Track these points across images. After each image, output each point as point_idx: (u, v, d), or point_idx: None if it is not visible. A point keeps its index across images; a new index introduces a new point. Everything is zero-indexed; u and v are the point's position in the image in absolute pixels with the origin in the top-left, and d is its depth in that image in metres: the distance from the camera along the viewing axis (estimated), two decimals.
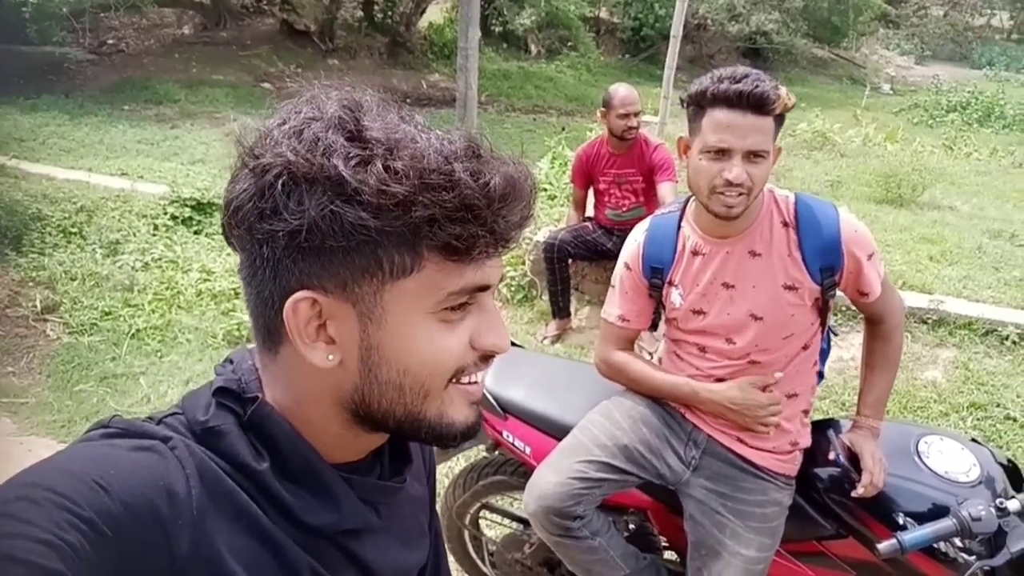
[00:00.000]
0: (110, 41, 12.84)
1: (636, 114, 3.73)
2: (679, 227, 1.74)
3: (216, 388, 0.67)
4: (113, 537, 0.52)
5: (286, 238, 0.58)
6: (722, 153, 1.52)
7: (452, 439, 0.68)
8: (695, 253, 1.70)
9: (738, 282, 1.66)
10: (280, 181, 0.57)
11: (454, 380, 0.66)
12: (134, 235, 5.10)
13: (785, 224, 1.63)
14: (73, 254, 4.74)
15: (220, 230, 0.64)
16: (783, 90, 1.50)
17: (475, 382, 0.69)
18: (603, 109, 3.81)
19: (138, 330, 4.01)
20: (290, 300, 0.60)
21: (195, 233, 5.36)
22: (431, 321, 0.64)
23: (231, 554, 0.60)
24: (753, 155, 1.51)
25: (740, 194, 1.52)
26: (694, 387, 1.75)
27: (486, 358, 0.68)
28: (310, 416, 0.68)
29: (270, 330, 0.65)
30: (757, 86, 1.47)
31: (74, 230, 5.08)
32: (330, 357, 0.63)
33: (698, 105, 1.56)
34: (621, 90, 3.78)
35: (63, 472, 0.54)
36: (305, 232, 0.57)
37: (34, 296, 4.20)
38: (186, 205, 5.54)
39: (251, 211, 0.59)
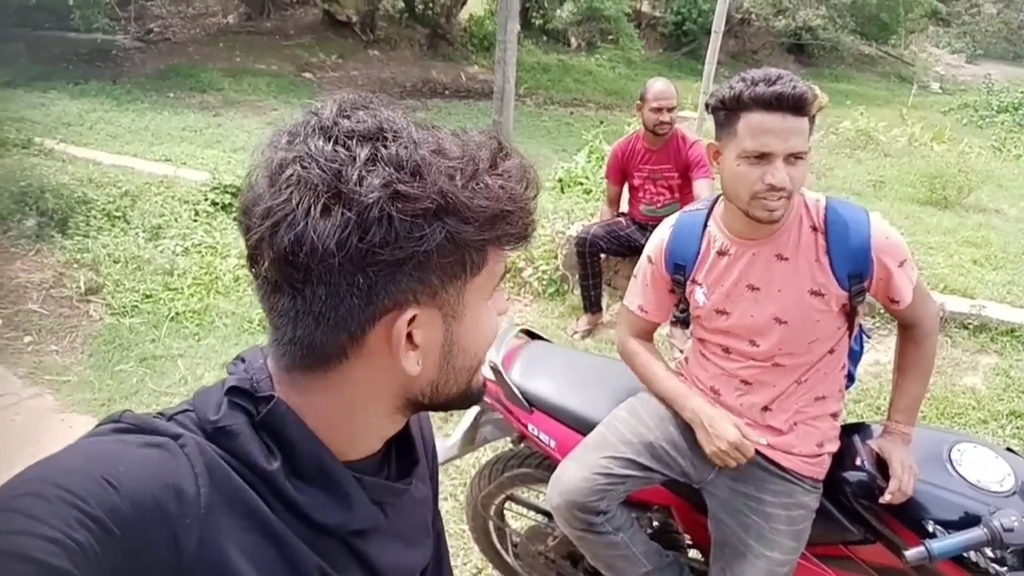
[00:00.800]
0: (156, 29, 13.10)
1: (670, 109, 3.69)
2: (705, 226, 1.72)
3: (229, 387, 0.67)
4: (121, 535, 0.52)
5: (392, 264, 0.59)
6: (763, 157, 1.48)
7: (478, 400, 0.76)
8: (721, 253, 1.67)
9: (763, 285, 1.63)
10: (391, 213, 0.57)
11: None
12: (175, 220, 5.21)
13: (814, 229, 1.59)
14: (116, 237, 4.86)
15: (265, 271, 0.60)
16: (817, 89, 1.48)
17: None
18: (639, 102, 3.78)
19: (177, 313, 4.09)
20: (401, 320, 0.62)
21: (234, 220, 5.44)
22: (487, 305, 0.71)
23: (239, 553, 0.60)
24: (794, 157, 1.48)
25: (781, 198, 1.50)
26: (686, 397, 1.76)
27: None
28: (354, 417, 0.69)
29: (333, 353, 0.64)
30: (796, 87, 1.44)
31: (118, 214, 5.20)
32: (418, 363, 0.66)
33: (731, 110, 1.52)
34: (658, 84, 3.75)
35: (73, 468, 0.54)
36: (420, 256, 0.60)
37: (78, 278, 4.31)
38: (226, 192, 5.64)
39: (352, 246, 0.57)
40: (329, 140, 0.59)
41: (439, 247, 0.60)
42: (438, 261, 0.61)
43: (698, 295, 1.72)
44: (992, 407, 3.41)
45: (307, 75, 12.22)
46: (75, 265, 4.48)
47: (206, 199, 5.55)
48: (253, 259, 0.62)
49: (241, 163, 6.65)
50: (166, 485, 0.56)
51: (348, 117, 0.61)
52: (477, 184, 0.61)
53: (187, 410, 0.66)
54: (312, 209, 0.57)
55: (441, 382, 0.70)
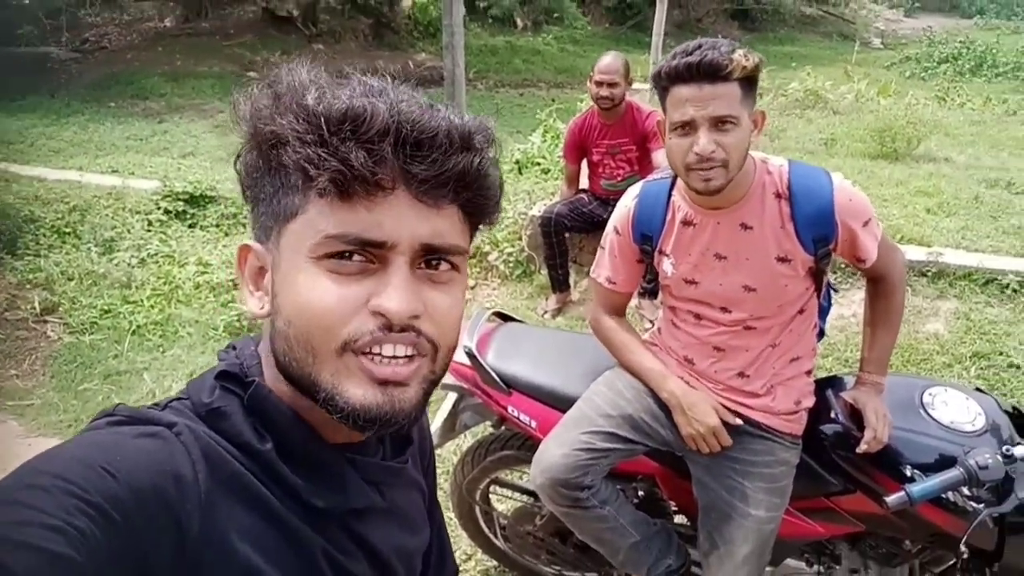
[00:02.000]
0: (91, 38, 12.77)
1: (612, 84, 3.69)
2: (670, 195, 1.71)
3: (219, 372, 0.68)
4: (122, 522, 0.52)
5: (243, 191, 0.66)
6: (688, 127, 1.49)
7: (346, 418, 0.61)
8: (686, 223, 1.67)
9: (730, 254, 1.64)
10: (245, 143, 0.64)
11: (350, 349, 0.61)
12: (128, 232, 5.09)
13: (778, 195, 1.59)
14: (69, 254, 4.73)
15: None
16: (739, 53, 1.45)
17: (381, 357, 0.62)
18: (592, 75, 3.78)
19: (138, 326, 4.01)
20: (244, 249, 0.67)
21: (189, 227, 5.35)
22: (315, 268, 0.60)
23: (241, 535, 0.60)
24: (719, 123, 1.47)
25: (714, 166, 1.49)
26: (663, 377, 1.77)
27: (384, 327, 0.61)
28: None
29: None
30: (706, 55, 1.44)
31: (68, 230, 5.06)
32: (262, 304, 0.66)
33: (661, 87, 1.54)
34: (605, 59, 3.76)
35: (70, 459, 0.54)
36: (244, 171, 0.64)
37: (32, 298, 4.19)
38: (179, 199, 5.52)
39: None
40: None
41: (249, 168, 0.64)
42: (258, 191, 0.64)
43: (666, 265, 1.72)
44: (955, 350, 3.50)
45: (252, 74, 11.97)
46: (28, 286, 4.35)
47: (158, 208, 5.42)
48: None
49: (191, 169, 6.51)
50: (164, 472, 0.57)
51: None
52: (290, 101, 0.60)
53: (181, 398, 0.67)
54: None
55: (276, 343, 0.64)
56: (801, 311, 1.70)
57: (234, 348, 0.72)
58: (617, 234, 1.79)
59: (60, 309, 4.16)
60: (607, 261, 1.85)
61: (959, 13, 21.19)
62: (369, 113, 0.57)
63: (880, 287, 1.74)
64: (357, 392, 0.61)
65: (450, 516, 2.61)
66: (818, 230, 1.57)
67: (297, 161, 0.58)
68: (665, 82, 1.52)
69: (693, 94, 1.47)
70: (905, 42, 17.26)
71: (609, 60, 3.74)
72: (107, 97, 10.23)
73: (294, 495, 0.65)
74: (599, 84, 3.70)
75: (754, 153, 1.62)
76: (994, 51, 13.97)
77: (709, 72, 1.45)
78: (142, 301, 4.25)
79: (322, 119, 0.57)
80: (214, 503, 0.59)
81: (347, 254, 0.60)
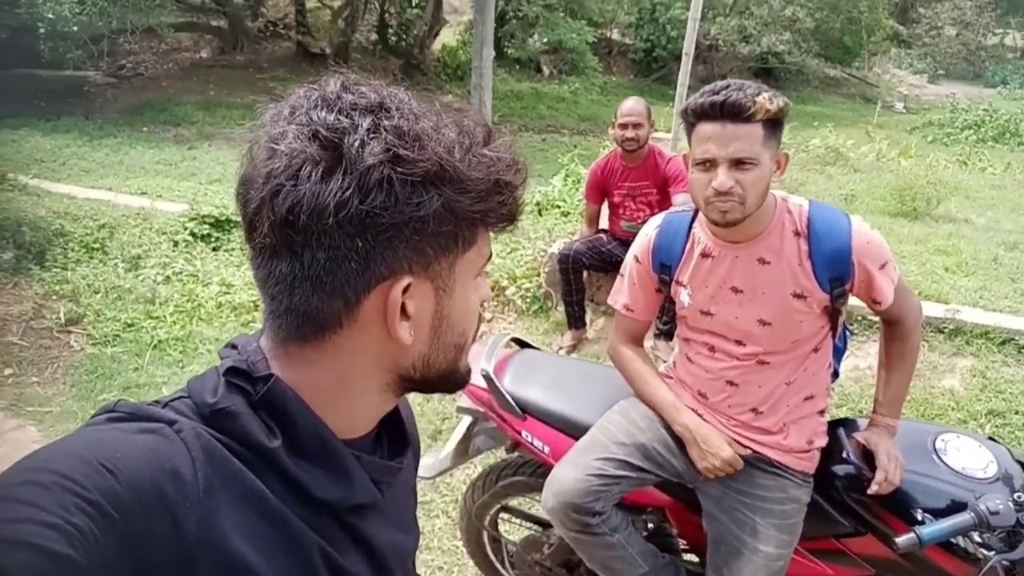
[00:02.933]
0: (129, 65, 13.11)
1: (636, 126, 3.75)
2: (691, 227, 1.76)
3: (227, 368, 0.67)
4: (120, 520, 0.52)
5: (391, 229, 0.61)
6: (709, 163, 1.55)
7: (466, 384, 0.77)
8: (704, 255, 1.71)
9: (747, 288, 1.67)
10: (391, 178, 0.59)
11: None
12: (155, 250, 5.20)
13: (797, 233, 1.63)
14: (96, 268, 4.83)
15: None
16: (764, 96, 1.50)
17: None
18: (615, 120, 3.85)
19: (160, 341, 4.06)
20: (397, 287, 0.64)
21: (213, 250, 5.45)
22: (473, 284, 0.72)
23: (240, 535, 0.60)
24: (739, 163, 1.52)
25: (731, 201, 1.53)
26: (677, 410, 1.80)
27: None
28: (347, 391, 0.69)
29: (328, 320, 0.65)
30: (731, 95, 1.49)
31: (96, 245, 5.17)
32: (411, 333, 0.67)
33: (688, 122, 1.60)
34: (628, 102, 3.83)
35: (69, 456, 0.54)
36: (417, 222, 0.61)
37: (58, 309, 4.27)
38: (205, 222, 5.63)
39: (352, 209, 0.59)
40: (332, 111, 0.61)
41: (435, 215, 0.62)
42: (434, 230, 0.63)
43: (683, 296, 1.76)
44: (971, 407, 3.48)
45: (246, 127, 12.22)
46: (54, 296, 4.44)
47: (185, 229, 5.54)
48: (252, 227, 0.63)
49: (218, 194, 6.64)
50: (163, 469, 0.56)
51: (351, 92, 0.63)
52: (472, 156, 0.64)
53: (182, 396, 0.66)
54: (313, 173, 0.58)
55: (431, 356, 0.71)
56: (816, 349, 1.72)
57: (235, 347, 0.71)
58: (637, 262, 1.83)
59: (84, 321, 4.24)
60: (626, 288, 1.89)
61: (983, 82, 21.36)
62: (521, 164, 0.69)
63: (895, 330, 1.77)
64: (465, 362, 0.77)
65: (457, 544, 2.61)
66: (835, 269, 1.60)
67: (508, 209, 0.69)
68: (692, 118, 1.58)
69: (716, 132, 1.52)
70: (928, 108, 17.39)
71: (632, 103, 3.81)
72: (140, 122, 10.49)
73: (297, 492, 0.66)
74: (623, 127, 3.76)
75: (776, 191, 1.66)
76: (1018, 120, 14.03)
77: (733, 112, 1.50)
78: (165, 317, 4.31)
79: (514, 169, 0.68)
80: (213, 501, 0.59)
81: None
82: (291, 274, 0.63)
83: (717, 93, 1.52)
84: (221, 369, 0.67)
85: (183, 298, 4.54)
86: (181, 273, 4.89)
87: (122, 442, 0.57)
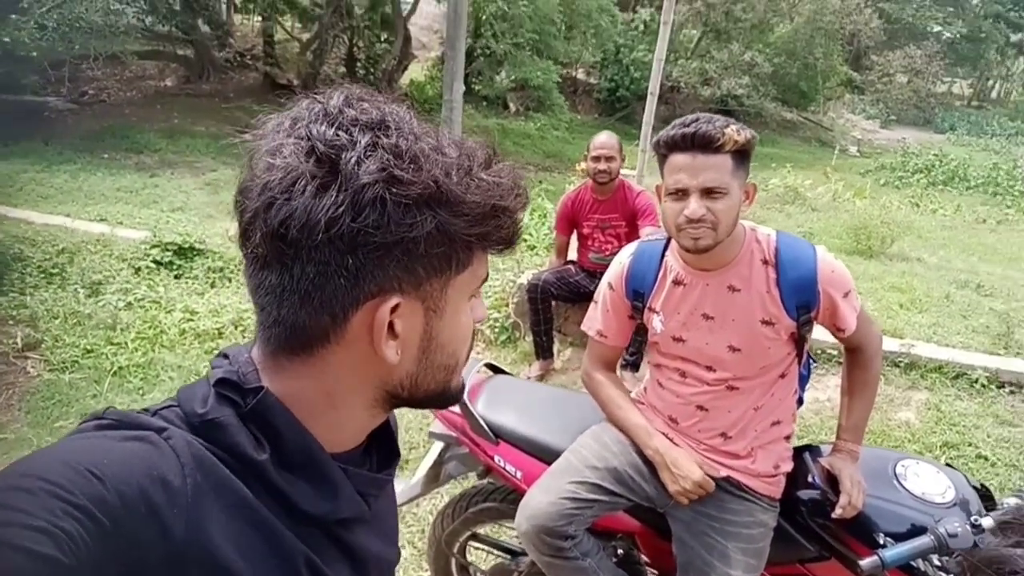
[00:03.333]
0: (91, 91, 12.89)
1: (609, 159, 3.84)
2: (663, 256, 1.81)
3: (217, 379, 0.67)
4: (108, 524, 0.52)
5: (382, 248, 0.61)
6: (681, 193, 1.61)
7: (456, 401, 0.78)
8: (676, 283, 1.76)
9: (717, 314, 1.72)
10: (385, 196, 0.59)
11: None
12: (116, 276, 5.09)
13: (765, 262, 1.69)
14: (55, 294, 4.72)
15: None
16: (732, 128, 1.56)
17: None
18: (587, 154, 3.94)
19: (120, 368, 3.98)
20: (384, 306, 0.63)
21: (176, 277, 5.36)
22: (466, 305, 0.72)
23: (227, 542, 0.60)
24: (709, 192, 1.58)
25: (703, 228, 1.59)
26: (649, 435, 1.82)
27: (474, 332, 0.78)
28: (334, 406, 0.69)
29: (315, 335, 0.65)
30: (701, 127, 1.56)
31: (55, 271, 5.06)
32: (397, 352, 0.67)
33: (660, 153, 1.66)
34: (600, 136, 3.93)
35: (56, 462, 0.54)
36: (409, 243, 0.61)
37: (15, 334, 4.16)
38: (168, 249, 5.55)
39: (344, 225, 0.59)
40: (332, 126, 0.61)
41: (428, 237, 0.62)
42: (426, 252, 0.63)
43: (655, 322, 1.80)
44: (926, 439, 3.58)
45: (247, 136, 12.16)
46: (11, 321, 4.33)
47: (147, 256, 5.45)
48: (245, 236, 0.63)
49: (180, 222, 6.57)
50: (152, 476, 0.56)
51: (352, 107, 0.63)
52: (471, 180, 0.64)
53: (171, 405, 0.66)
54: (307, 188, 0.59)
55: (419, 376, 0.71)
56: (783, 375, 1.77)
57: (227, 357, 0.70)
58: (611, 289, 1.87)
59: (42, 346, 4.13)
60: (599, 315, 1.92)
61: (932, 128, 22.19)
62: (521, 188, 0.69)
63: (857, 357, 1.83)
64: (462, 381, 0.78)
65: (424, 574, 2.58)
66: (801, 297, 1.66)
67: (506, 233, 0.69)
68: (664, 149, 1.64)
69: (687, 163, 1.58)
70: (880, 151, 17.96)
71: (605, 137, 3.91)
72: (100, 148, 10.31)
73: (284, 504, 0.66)
74: (596, 159, 3.85)
75: (744, 222, 1.73)
76: (966, 165, 14.58)
77: (703, 143, 1.56)
78: (126, 343, 4.22)
79: (513, 195, 0.68)
80: (201, 508, 0.59)
81: None
82: (280, 286, 0.63)
83: (688, 125, 1.58)
84: (212, 380, 0.67)
85: (145, 324, 4.46)
86: (143, 299, 4.80)
87: (109, 449, 0.57)
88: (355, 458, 0.75)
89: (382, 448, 0.82)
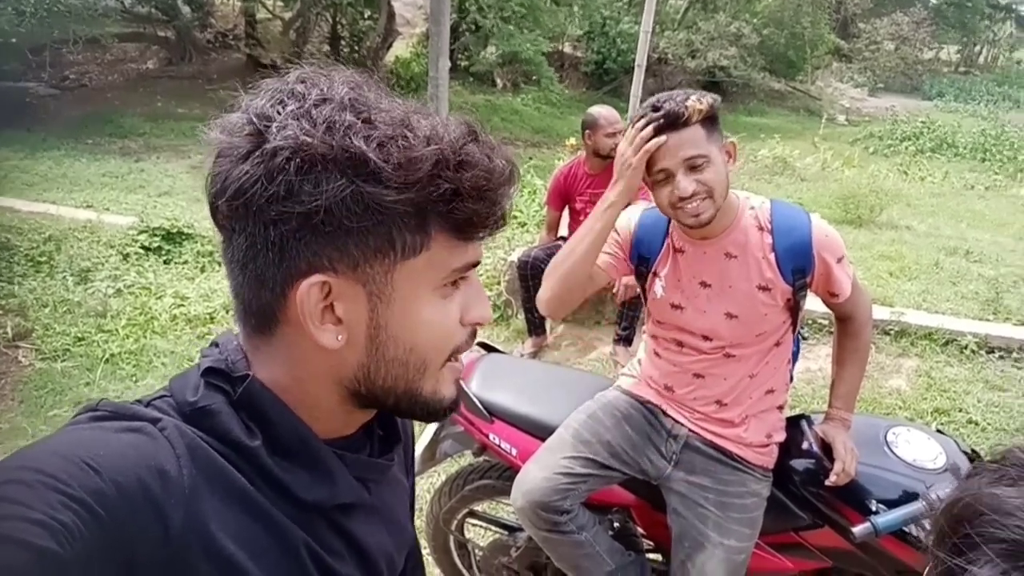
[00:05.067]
0: (72, 76, 12.74)
1: (622, 132, 3.81)
2: (669, 222, 1.80)
3: (205, 368, 0.66)
4: (105, 516, 0.52)
5: (299, 220, 0.59)
6: (665, 175, 1.60)
7: (441, 414, 0.73)
8: (677, 250, 1.77)
9: (715, 282, 1.73)
10: (294, 163, 0.58)
11: (451, 358, 0.71)
12: (104, 263, 5.06)
13: (760, 228, 1.70)
14: (43, 282, 4.69)
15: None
16: (693, 98, 1.56)
17: (460, 360, 0.73)
18: (588, 131, 3.86)
19: (112, 355, 3.96)
20: (305, 283, 0.61)
21: (165, 262, 5.33)
22: (435, 297, 0.67)
23: (225, 532, 0.60)
24: (693, 165, 1.58)
25: (699, 200, 1.59)
26: (602, 202, 1.72)
27: (472, 334, 0.72)
28: (308, 393, 0.68)
29: (265, 313, 0.65)
30: (664, 108, 1.56)
31: (43, 259, 5.03)
32: (339, 338, 0.64)
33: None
34: (604, 111, 3.88)
35: (52, 454, 0.54)
36: (323, 213, 0.58)
37: (5, 323, 4.14)
38: (156, 235, 5.51)
39: (258, 193, 0.58)
40: (271, 100, 0.61)
41: (344, 207, 0.59)
42: (353, 226, 0.60)
43: (657, 288, 1.81)
44: (917, 406, 3.62)
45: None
46: (0, 311, 4.30)
47: (135, 242, 5.41)
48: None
49: (167, 207, 6.52)
50: (148, 467, 0.56)
51: (304, 81, 0.63)
52: (395, 145, 0.59)
53: (164, 396, 0.66)
54: (234, 155, 0.60)
55: (371, 368, 0.67)
56: (778, 343, 1.79)
57: (217, 345, 0.70)
58: (616, 232, 1.84)
59: (33, 335, 4.11)
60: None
61: (920, 95, 22.11)
62: (496, 169, 0.64)
63: (849, 326, 1.85)
64: (448, 392, 0.72)
65: (423, 551, 2.60)
66: (797, 261, 1.68)
67: (469, 215, 0.64)
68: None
69: (672, 144, 1.57)
70: (869, 120, 17.93)
71: (609, 111, 3.85)
72: (84, 134, 10.21)
73: (281, 490, 0.65)
74: (612, 135, 3.76)
75: (738, 192, 1.73)
76: (954, 132, 14.58)
77: (671, 123, 1.56)
78: (117, 330, 4.21)
79: (495, 179, 0.64)
80: (198, 498, 0.59)
81: (456, 279, 0.69)
82: (225, 256, 0.65)
83: (655, 110, 1.58)
84: (200, 368, 0.67)
85: (135, 311, 4.44)
86: (133, 286, 4.77)
87: (105, 440, 0.57)
88: (352, 443, 0.74)
89: (383, 431, 0.81)
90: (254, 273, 0.62)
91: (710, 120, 1.59)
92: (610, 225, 1.71)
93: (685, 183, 1.57)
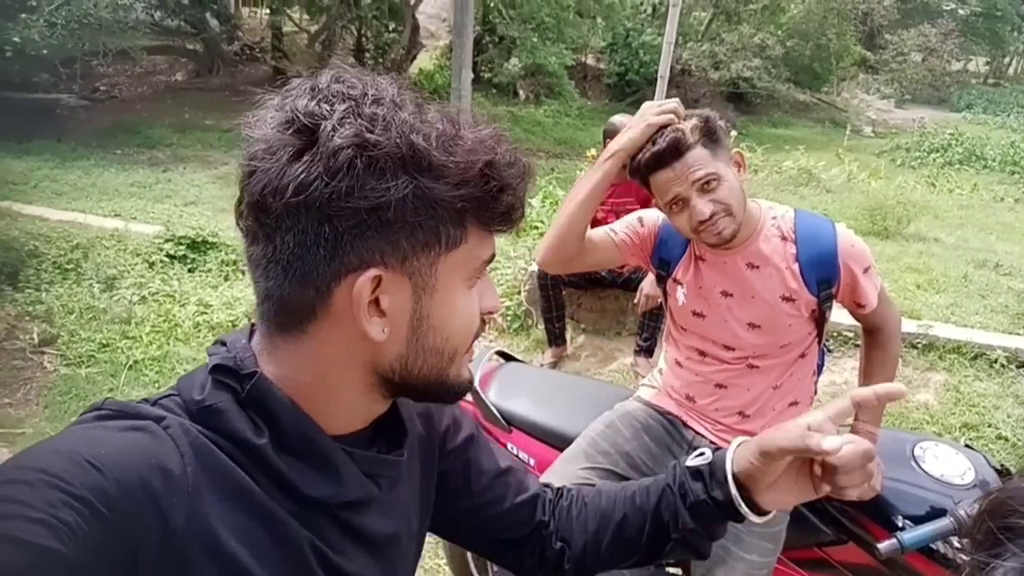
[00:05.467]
0: (102, 88, 12.97)
1: None
2: None
3: (213, 366, 0.67)
4: (107, 515, 0.52)
5: (358, 216, 0.60)
6: (680, 202, 1.59)
7: (462, 395, 0.77)
8: (699, 258, 1.76)
9: (736, 291, 1.71)
10: (360, 160, 0.59)
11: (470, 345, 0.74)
12: (130, 271, 5.12)
13: (784, 238, 1.68)
14: (70, 289, 4.75)
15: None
16: (688, 122, 1.55)
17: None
18: (608, 140, 3.86)
19: (136, 361, 4.00)
20: (363, 277, 0.62)
21: (190, 271, 5.39)
22: (465, 288, 0.70)
23: (228, 530, 0.60)
24: (705, 186, 1.56)
25: (718, 220, 1.58)
26: (604, 156, 1.69)
27: (483, 322, 0.76)
28: (330, 388, 0.69)
29: (303, 310, 0.65)
30: (666, 140, 1.54)
31: (70, 266, 5.09)
32: (384, 330, 0.65)
33: (642, 178, 1.63)
34: (625, 119, 3.87)
35: (55, 453, 0.54)
36: (385, 209, 0.60)
37: (31, 329, 4.20)
38: (181, 243, 5.57)
39: (319, 190, 0.59)
40: (314, 99, 0.62)
41: (405, 203, 0.61)
42: (408, 221, 0.62)
43: (679, 294, 1.79)
44: (945, 421, 3.55)
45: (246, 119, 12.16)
46: (27, 317, 4.36)
47: (160, 251, 5.48)
48: (239, 213, 0.65)
49: (194, 216, 6.59)
50: (151, 465, 0.57)
51: (340, 82, 0.64)
52: (452, 143, 0.63)
53: (171, 394, 0.67)
54: (283, 153, 0.60)
55: (410, 359, 0.69)
56: (803, 355, 1.76)
57: (224, 343, 0.71)
58: (641, 224, 1.84)
59: (58, 341, 4.16)
60: (621, 224, 1.87)
61: (948, 107, 21.85)
62: (525, 165, 0.69)
63: (876, 338, 1.81)
64: (467, 374, 0.76)
65: (439, 563, 2.59)
66: (821, 272, 1.65)
67: (506, 209, 0.68)
68: (644, 173, 1.61)
69: (670, 176, 1.57)
70: (895, 131, 17.73)
71: (617, 118, 3.85)
72: (113, 144, 10.37)
73: (286, 488, 0.66)
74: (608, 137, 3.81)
75: (760, 201, 1.71)
76: (983, 144, 14.36)
77: (673, 152, 1.54)
78: (141, 337, 4.25)
79: (502, 158, 0.66)
80: (201, 497, 0.59)
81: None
82: (264, 257, 0.64)
83: (654, 144, 1.57)
84: (208, 366, 0.68)
85: (159, 318, 4.48)
86: (157, 293, 4.82)
87: (109, 439, 0.58)
88: (361, 440, 0.75)
89: (391, 427, 0.81)
90: (300, 271, 0.63)
91: (710, 138, 1.57)
92: (608, 176, 1.69)
93: (701, 206, 1.56)
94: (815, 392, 1.93)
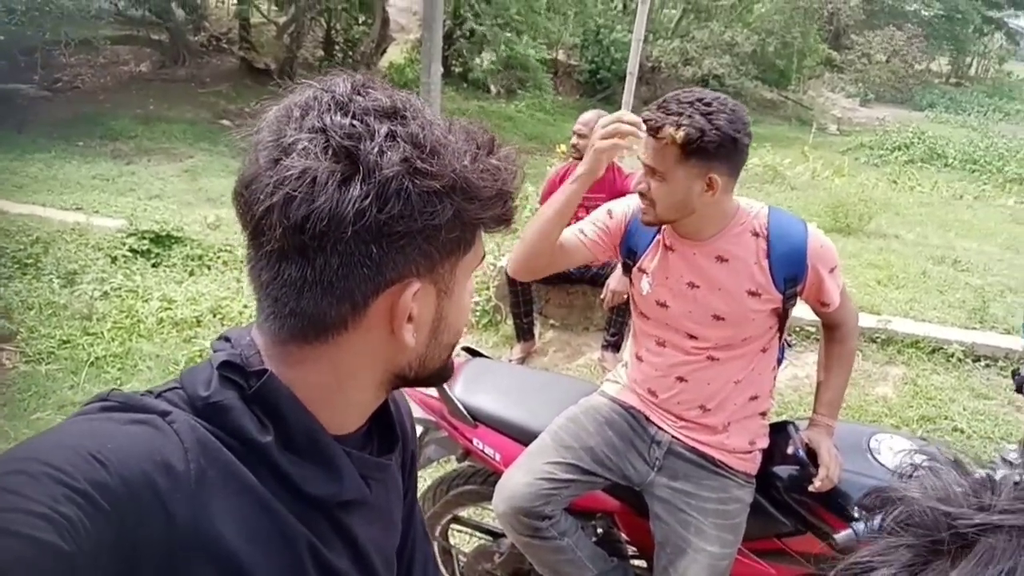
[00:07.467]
0: (64, 78, 12.65)
1: (582, 135, 3.81)
2: None
3: (220, 362, 0.67)
4: (110, 510, 0.52)
5: (407, 237, 0.62)
6: (645, 166, 1.66)
7: (449, 376, 0.79)
8: (667, 248, 1.78)
9: (703, 283, 1.73)
10: (412, 189, 0.60)
11: None
12: (92, 266, 5.01)
13: (755, 234, 1.71)
14: (29, 284, 4.65)
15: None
16: (673, 126, 1.54)
17: None
18: (578, 137, 3.90)
19: (97, 358, 3.93)
20: (408, 291, 0.65)
21: (154, 265, 5.30)
22: (469, 283, 0.75)
23: (231, 526, 0.61)
24: (652, 171, 1.63)
25: (645, 202, 1.67)
26: (572, 179, 1.75)
27: None
28: (345, 390, 0.70)
29: (335, 323, 0.65)
30: (655, 116, 1.58)
31: (29, 261, 4.98)
32: (413, 335, 0.68)
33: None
34: (585, 114, 3.93)
35: (59, 446, 0.54)
36: (433, 230, 0.63)
37: None
38: (145, 238, 5.47)
39: (372, 218, 0.59)
40: (346, 115, 0.60)
41: (446, 223, 0.63)
42: (444, 237, 0.65)
43: (643, 283, 1.81)
44: (903, 413, 3.63)
45: (224, 122, 12.01)
46: None
47: (123, 245, 5.37)
48: (258, 231, 0.62)
49: (158, 210, 6.48)
50: (155, 461, 0.57)
51: (363, 95, 0.63)
52: (481, 165, 0.65)
53: (175, 388, 0.66)
54: (330, 182, 0.58)
55: (427, 357, 0.72)
56: (764, 350, 1.79)
57: (228, 340, 0.71)
58: (610, 216, 1.86)
59: (17, 338, 4.07)
60: (586, 222, 1.89)
61: (911, 106, 22.21)
62: (521, 172, 0.72)
63: (836, 334, 1.86)
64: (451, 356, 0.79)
65: None
66: (789, 270, 1.69)
67: (509, 215, 0.70)
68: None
69: (648, 143, 1.62)
70: (860, 130, 17.99)
71: (590, 115, 3.88)
72: (75, 136, 10.14)
73: (287, 486, 0.66)
74: (575, 134, 3.88)
75: (737, 198, 1.74)
76: (945, 143, 14.66)
77: (652, 129, 1.59)
78: (102, 333, 4.17)
79: (516, 178, 0.70)
80: (204, 492, 0.59)
81: None
82: (301, 278, 0.62)
83: (659, 108, 1.60)
84: (215, 362, 0.67)
85: (122, 314, 4.40)
86: (120, 289, 4.73)
87: (113, 433, 0.57)
88: (357, 441, 0.76)
89: (383, 432, 0.82)
90: (342, 289, 0.63)
91: (689, 146, 1.55)
92: (574, 199, 1.75)
93: (642, 181, 1.65)
94: (773, 386, 1.97)
